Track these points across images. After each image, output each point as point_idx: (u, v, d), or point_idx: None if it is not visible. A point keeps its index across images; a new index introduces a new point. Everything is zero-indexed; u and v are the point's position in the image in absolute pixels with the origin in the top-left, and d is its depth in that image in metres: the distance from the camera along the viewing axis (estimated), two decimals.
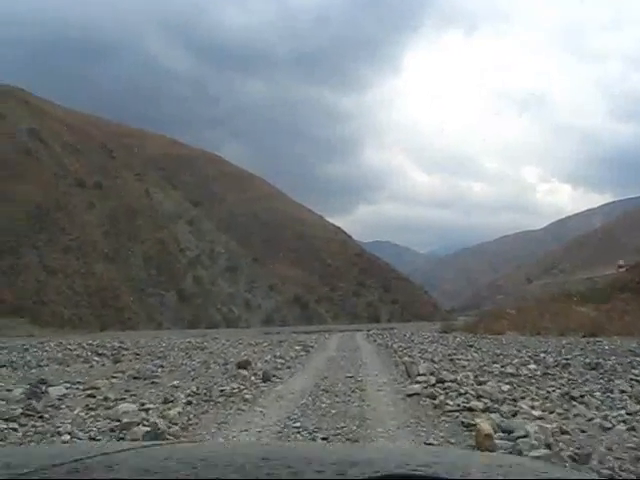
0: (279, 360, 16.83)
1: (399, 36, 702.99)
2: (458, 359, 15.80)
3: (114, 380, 13.05)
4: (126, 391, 11.26)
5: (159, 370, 15.18)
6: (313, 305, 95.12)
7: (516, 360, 15.19)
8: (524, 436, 6.41)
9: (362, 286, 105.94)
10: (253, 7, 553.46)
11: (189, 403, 9.63)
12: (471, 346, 20.15)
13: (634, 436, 6.86)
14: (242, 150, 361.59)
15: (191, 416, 8.65)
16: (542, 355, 16.31)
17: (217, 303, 78.29)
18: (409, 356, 16.69)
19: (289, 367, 15.17)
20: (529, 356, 16.18)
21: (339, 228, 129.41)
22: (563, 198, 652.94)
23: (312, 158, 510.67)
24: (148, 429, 7.20)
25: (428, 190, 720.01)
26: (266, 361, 16.60)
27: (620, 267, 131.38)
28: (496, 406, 8.58)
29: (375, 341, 25.18)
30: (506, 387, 10.64)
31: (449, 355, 17.09)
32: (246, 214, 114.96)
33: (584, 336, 20.73)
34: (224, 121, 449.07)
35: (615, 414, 8.17)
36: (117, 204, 78.77)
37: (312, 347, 22.12)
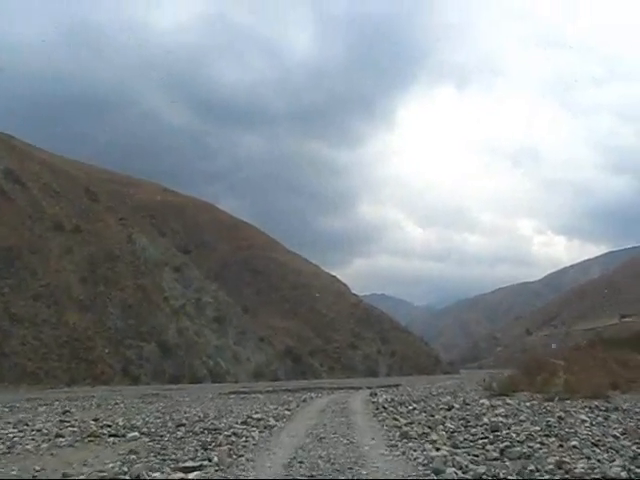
0: None
1: (393, 92, 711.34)
2: None
3: None
4: None
5: None
6: (306, 358, 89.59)
7: None
8: None
9: (359, 338, 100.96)
10: (248, 63, 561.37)
11: None
12: None
13: None
14: (239, 204, 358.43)
15: None
16: None
17: (202, 356, 72.51)
18: None
19: None
20: None
21: (335, 277, 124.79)
22: (559, 250, 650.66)
23: (308, 212, 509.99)
24: None
25: (423, 243, 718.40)
26: None
27: (623, 317, 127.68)
28: None
29: (404, 438, 10.80)
30: None
31: None
32: (238, 263, 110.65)
33: None
34: (222, 175, 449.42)
35: None
36: (96, 249, 73.55)
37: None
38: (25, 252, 65.12)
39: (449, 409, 16.16)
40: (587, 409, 14.81)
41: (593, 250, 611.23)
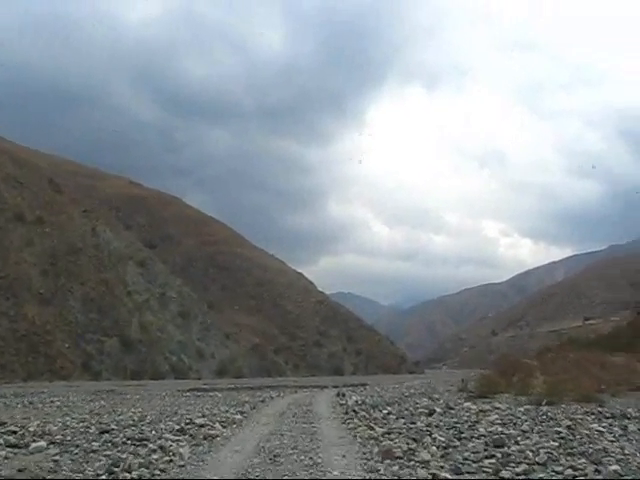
0: None
1: (364, 90, 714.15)
2: None
3: None
4: None
5: None
6: (271, 356, 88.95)
7: None
8: None
9: (324, 336, 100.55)
10: (217, 59, 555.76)
11: None
12: None
13: None
14: (206, 200, 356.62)
15: None
16: None
17: (165, 351, 71.32)
18: None
19: None
20: None
21: (301, 274, 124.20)
22: (524, 252, 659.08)
23: (275, 209, 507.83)
24: None
25: (389, 242, 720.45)
26: None
27: (587, 320, 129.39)
28: None
29: (385, 457, 8.62)
30: None
31: None
32: (203, 258, 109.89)
33: None
34: (189, 170, 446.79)
35: None
36: (59, 241, 71.95)
37: None
38: None
39: (430, 414, 14.27)
40: (592, 416, 13.31)
41: (558, 253, 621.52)
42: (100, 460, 8.73)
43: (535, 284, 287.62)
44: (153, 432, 12.00)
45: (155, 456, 8.94)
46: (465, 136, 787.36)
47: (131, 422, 14.36)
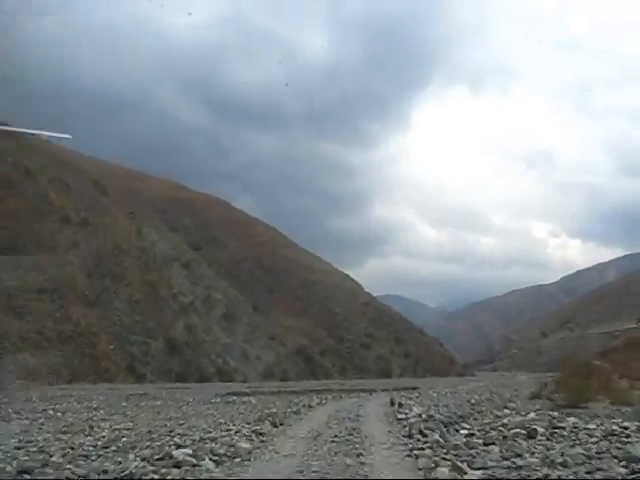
0: None
1: (408, 92, 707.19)
2: None
3: None
4: None
5: None
6: (318, 358, 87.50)
7: None
8: None
9: (372, 338, 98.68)
10: (263, 63, 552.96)
11: None
12: None
13: None
14: (253, 204, 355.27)
15: None
16: None
17: (211, 354, 70.46)
18: None
19: None
20: None
21: (347, 275, 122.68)
22: (573, 253, 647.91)
23: (322, 212, 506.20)
24: None
25: (436, 244, 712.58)
26: None
27: None
28: None
29: None
30: None
31: None
32: (249, 260, 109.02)
33: None
34: (236, 175, 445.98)
35: None
36: (104, 243, 71.70)
37: None
38: (31, 245, 63.53)
39: (531, 436, 10.02)
40: None
41: (607, 253, 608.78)
42: None
43: (585, 285, 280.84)
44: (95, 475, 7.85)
45: None
46: (511, 137, 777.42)
47: (89, 450, 10.75)
